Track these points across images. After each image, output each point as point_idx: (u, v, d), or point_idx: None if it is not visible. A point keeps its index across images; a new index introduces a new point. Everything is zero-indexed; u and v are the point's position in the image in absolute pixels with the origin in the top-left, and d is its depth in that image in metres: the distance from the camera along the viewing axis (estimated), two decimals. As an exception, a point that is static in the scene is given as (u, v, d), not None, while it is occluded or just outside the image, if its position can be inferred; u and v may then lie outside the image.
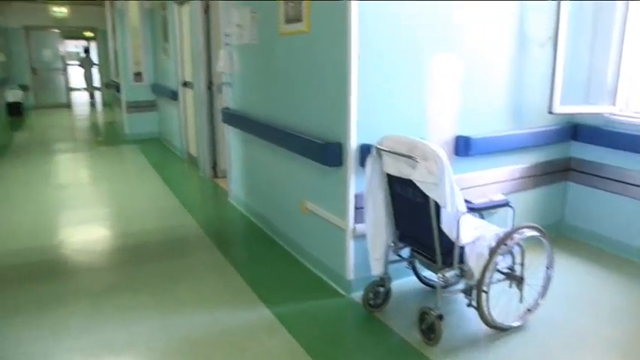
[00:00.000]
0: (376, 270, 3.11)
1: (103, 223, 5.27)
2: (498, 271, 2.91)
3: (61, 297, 3.58)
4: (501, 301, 2.95)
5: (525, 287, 2.96)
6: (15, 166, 7.87)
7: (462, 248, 2.79)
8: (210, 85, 6.42)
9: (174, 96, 7.90)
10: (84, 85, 20.22)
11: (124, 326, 3.17)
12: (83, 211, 5.64)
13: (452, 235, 2.73)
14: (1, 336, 3.09)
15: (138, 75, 9.61)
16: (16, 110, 13.70)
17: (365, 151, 3.15)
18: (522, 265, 2.94)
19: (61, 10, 15.43)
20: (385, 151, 2.87)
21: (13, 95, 13.72)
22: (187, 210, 5.40)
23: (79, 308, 3.41)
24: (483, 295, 2.79)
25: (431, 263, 2.96)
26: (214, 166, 6.62)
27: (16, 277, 3.93)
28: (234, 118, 5.08)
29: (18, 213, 5.55)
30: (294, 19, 3.68)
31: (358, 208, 3.29)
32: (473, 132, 3.62)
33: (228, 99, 5.32)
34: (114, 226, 5.13)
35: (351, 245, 3.36)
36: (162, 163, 7.82)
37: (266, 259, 4.14)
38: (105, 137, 10.72)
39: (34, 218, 5.33)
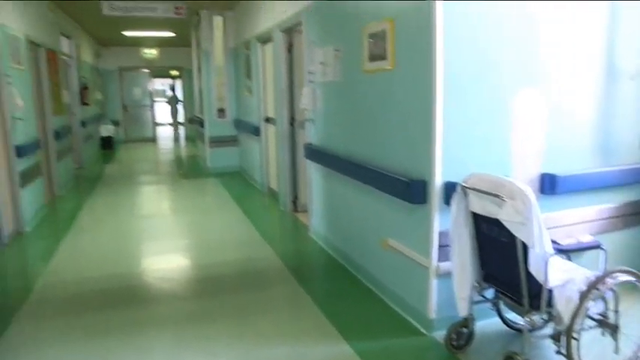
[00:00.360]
0: (463, 310, 3.05)
1: (184, 253, 5.46)
2: (590, 317, 2.78)
3: (145, 323, 3.73)
4: (594, 350, 2.80)
5: (621, 337, 2.80)
6: (105, 196, 8.35)
7: (550, 291, 2.70)
8: (292, 121, 6.58)
9: (256, 131, 8.14)
10: (169, 120, 21.24)
11: (205, 355, 3.25)
12: (166, 241, 5.89)
13: (539, 277, 2.65)
14: (92, 357, 3.26)
15: (221, 111, 10.01)
16: (108, 144, 14.58)
17: (449, 188, 3.13)
18: (617, 312, 2.79)
19: (151, 52, 16.48)
20: (471, 189, 2.85)
21: (106, 130, 14.63)
22: (267, 243, 5.51)
23: (162, 335, 3.54)
24: (573, 342, 2.67)
25: (517, 305, 2.87)
26: (295, 200, 6.73)
27: (105, 302, 4.14)
28: (316, 154, 5.18)
29: (106, 240, 5.87)
30: (378, 56, 3.75)
31: (442, 247, 3.27)
32: (559, 169, 3.51)
33: (310, 135, 5.45)
34: (195, 257, 5.30)
35: (434, 284, 3.33)
36: (243, 196, 8.03)
37: (346, 294, 4.15)
38: (187, 170, 11.15)
39: (121, 246, 5.61)
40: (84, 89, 11.92)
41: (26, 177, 6.36)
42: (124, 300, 4.16)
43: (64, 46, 10.10)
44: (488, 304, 3.22)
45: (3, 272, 4.96)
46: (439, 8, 3.05)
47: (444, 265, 3.26)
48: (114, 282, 4.55)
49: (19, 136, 6.21)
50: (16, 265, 5.28)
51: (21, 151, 6.10)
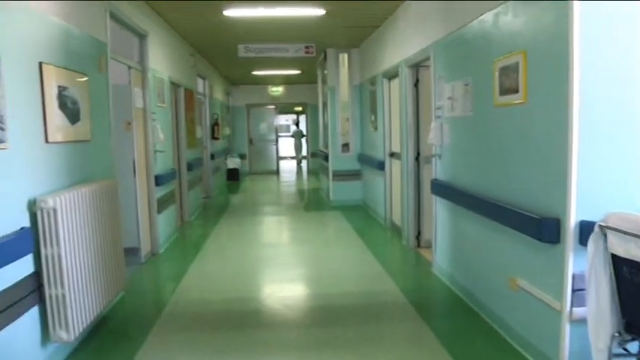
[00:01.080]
0: (599, 362, 2.83)
1: (306, 282, 5.58)
2: None
3: (268, 346, 3.84)
4: None
5: None
6: (229, 224, 8.77)
7: None
8: (417, 156, 6.55)
9: (380, 166, 8.18)
10: (292, 154, 21.99)
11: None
12: (288, 269, 6.05)
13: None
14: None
15: (345, 146, 10.20)
16: (233, 175, 15.33)
17: (585, 228, 2.95)
18: None
19: (277, 89, 17.30)
20: (610, 229, 2.66)
21: (233, 162, 15.40)
22: (390, 276, 5.46)
23: (286, 359, 3.60)
24: None
25: (669, 363, 2.61)
26: (418, 235, 6.64)
27: (229, 322, 4.33)
28: (442, 189, 5.12)
29: (231, 266, 6.19)
30: (509, 90, 3.66)
31: (576, 290, 3.06)
32: None
33: (437, 170, 5.39)
34: (316, 286, 5.38)
35: (567, 330, 3.11)
36: (364, 229, 8.05)
37: (470, 333, 4.01)
38: (310, 203, 11.40)
39: (244, 272, 5.87)
40: (215, 125, 12.70)
41: (162, 204, 6.86)
42: (247, 322, 4.32)
43: (199, 85, 10.89)
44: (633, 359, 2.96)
45: (141, 288, 5.37)
46: (577, 36, 2.92)
47: (579, 311, 3.05)
48: (237, 305, 4.75)
49: (159, 166, 6.75)
50: (152, 282, 5.70)
51: (159, 181, 6.61)
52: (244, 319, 4.40)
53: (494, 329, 4.01)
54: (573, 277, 3.06)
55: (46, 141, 3.51)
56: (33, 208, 3.25)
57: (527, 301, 3.53)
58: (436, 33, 5.28)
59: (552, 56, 3.14)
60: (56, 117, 3.67)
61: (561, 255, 3.11)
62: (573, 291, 3.07)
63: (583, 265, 2.92)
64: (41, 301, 3.35)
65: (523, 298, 3.59)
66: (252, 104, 17.70)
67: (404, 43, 6.67)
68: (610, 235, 2.68)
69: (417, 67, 6.33)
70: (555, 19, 3.11)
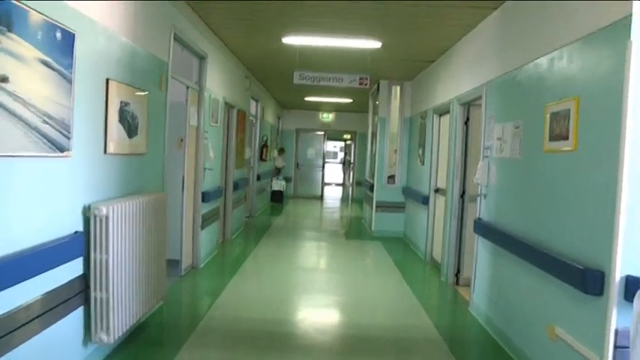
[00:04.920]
0: None
1: (340, 310, 5.59)
2: None
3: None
4: None
5: None
6: (269, 246, 8.87)
7: None
8: (462, 194, 6.52)
9: (424, 201, 8.16)
10: (336, 180, 22.12)
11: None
12: (323, 296, 6.10)
13: None
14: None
15: (391, 177, 10.20)
16: (277, 197, 15.51)
17: (632, 283, 2.88)
18: None
19: (328, 116, 17.53)
20: (658, 286, 2.60)
21: (278, 185, 15.63)
22: (425, 312, 5.41)
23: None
24: None
25: None
26: (457, 273, 6.57)
27: (261, 343, 4.41)
28: (485, 229, 5.08)
29: (267, 287, 6.29)
30: (559, 136, 3.63)
31: (619, 347, 2.97)
32: None
33: (481, 210, 5.36)
34: (350, 315, 5.40)
35: (606, 387, 3.03)
36: (403, 262, 8.01)
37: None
38: (351, 231, 11.41)
39: (280, 295, 5.93)
40: (264, 146, 12.93)
41: (206, 220, 7.01)
42: (279, 344, 4.36)
43: (252, 107, 11.13)
44: None
45: (179, 300, 5.51)
46: (632, 89, 2.88)
47: (622, 369, 2.97)
48: (271, 326, 4.80)
49: (207, 184, 6.92)
50: (190, 296, 5.84)
51: (206, 197, 6.78)
52: (277, 340, 4.44)
53: (529, 377, 3.93)
54: (616, 332, 2.98)
55: (105, 152, 3.68)
56: (87, 213, 3.41)
57: (566, 352, 3.44)
58: (490, 72, 5.29)
59: (605, 106, 3.12)
60: (116, 130, 3.84)
61: (604, 309, 3.04)
62: (615, 347, 2.99)
63: (628, 321, 2.85)
64: (86, 303, 3.49)
65: (561, 349, 3.51)
66: (302, 129, 17.96)
67: (457, 80, 6.69)
68: (656, 292, 2.62)
69: (469, 105, 6.34)
70: (611, 70, 3.08)
